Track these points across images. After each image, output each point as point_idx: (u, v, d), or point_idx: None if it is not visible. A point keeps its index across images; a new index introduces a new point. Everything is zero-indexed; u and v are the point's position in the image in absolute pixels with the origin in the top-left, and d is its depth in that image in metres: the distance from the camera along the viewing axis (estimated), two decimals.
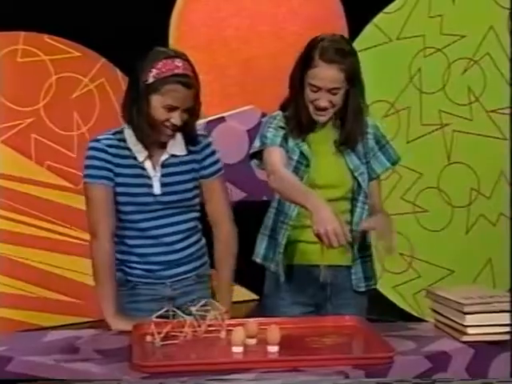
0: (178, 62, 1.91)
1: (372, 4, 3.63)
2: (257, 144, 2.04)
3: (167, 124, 1.92)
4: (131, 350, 1.64)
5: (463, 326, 1.72)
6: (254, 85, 3.90)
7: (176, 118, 1.91)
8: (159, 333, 1.69)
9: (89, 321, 2.08)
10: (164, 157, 1.97)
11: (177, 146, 1.99)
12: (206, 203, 2.05)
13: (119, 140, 1.97)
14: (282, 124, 2.02)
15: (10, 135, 3.54)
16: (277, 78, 4.02)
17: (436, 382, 1.62)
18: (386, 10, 3.64)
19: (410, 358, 1.63)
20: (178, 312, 1.75)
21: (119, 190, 1.95)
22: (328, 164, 2.03)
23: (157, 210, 1.96)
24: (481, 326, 1.71)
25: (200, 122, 3.91)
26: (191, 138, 2.01)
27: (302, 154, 2.00)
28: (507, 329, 1.71)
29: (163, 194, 1.96)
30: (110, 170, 1.94)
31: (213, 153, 2.04)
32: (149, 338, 1.70)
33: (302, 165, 2.00)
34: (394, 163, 2.10)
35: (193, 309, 1.77)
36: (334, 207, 2.00)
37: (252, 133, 3.86)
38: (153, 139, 1.94)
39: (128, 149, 1.96)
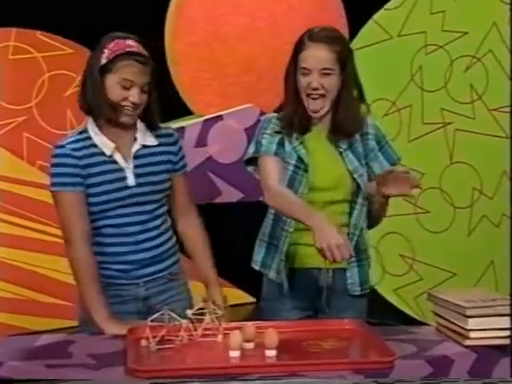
0: (131, 42, 1.94)
1: (372, 0, 3.63)
2: (251, 150, 2.04)
3: (125, 104, 1.92)
4: (126, 354, 1.64)
5: (465, 329, 1.72)
6: (253, 83, 3.89)
7: (134, 96, 1.91)
8: (154, 337, 1.69)
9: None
10: (135, 148, 1.99)
11: (147, 137, 2.01)
12: (174, 197, 2.07)
13: (85, 139, 1.97)
14: (277, 128, 2.02)
15: (1, 134, 3.53)
16: (276, 76, 4.01)
17: (442, 383, 1.62)
18: (386, 6, 3.64)
19: (411, 362, 1.63)
20: (174, 315, 1.75)
21: (91, 191, 1.95)
22: (327, 166, 2.03)
23: (130, 204, 1.97)
24: (483, 329, 1.71)
25: (198, 121, 3.96)
26: (153, 124, 2.02)
27: (299, 158, 2.00)
28: (510, 333, 1.71)
29: (138, 186, 1.97)
30: (78, 175, 1.94)
31: (182, 147, 2.09)
32: (144, 342, 1.70)
33: (300, 169, 2.01)
34: (393, 164, 2.10)
35: (189, 312, 1.77)
36: (334, 209, 2.00)
37: (250, 132, 3.86)
38: (114, 121, 1.94)
39: (95, 145, 1.96)
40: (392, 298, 3.63)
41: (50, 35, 3.57)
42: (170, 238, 2.07)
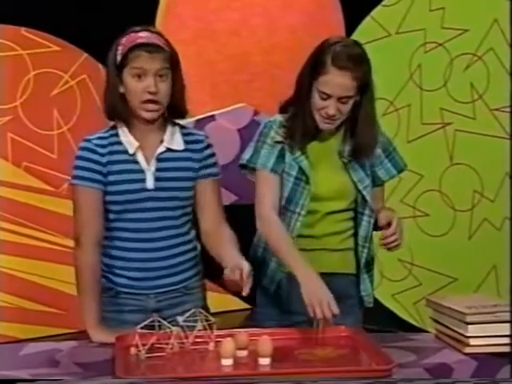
0: (142, 33, 1.93)
1: None
2: (247, 156, 2.03)
3: (145, 98, 1.90)
4: (114, 362, 1.64)
5: (465, 336, 1.73)
6: (246, 82, 3.90)
7: (150, 85, 1.89)
8: (144, 344, 1.68)
9: (69, 332, 2.07)
10: (160, 149, 1.97)
11: (174, 140, 1.99)
12: (200, 206, 2.02)
13: (112, 136, 1.97)
14: (278, 138, 2.01)
15: None
16: (270, 74, 4.06)
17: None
18: (384, 2, 3.65)
19: (410, 370, 1.64)
20: (164, 323, 1.75)
21: (110, 188, 1.94)
22: (330, 176, 2.03)
23: (148, 209, 1.95)
24: (484, 336, 1.72)
25: (189, 121, 3.95)
26: (179, 113, 1.99)
27: (300, 169, 2.00)
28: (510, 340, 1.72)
29: (156, 190, 1.95)
30: (98, 172, 1.94)
31: (213, 155, 2.06)
32: (133, 350, 1.69)
33: (301, 181, 2.00)
34: (400, 171, 2.11)
35: (180, 319, 1.77)
36: (336, 217, 2.01)
37: (243, 132, 3.86)
38: (138, 118, 1.93)
39: (120, 143, 1.96)
40: (390, 304, 3.64)
41: (35, 32, 3.56)
42: (190, 250, 2.03)
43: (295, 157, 2.00)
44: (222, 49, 3.89)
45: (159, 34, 1.96)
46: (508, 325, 1.72)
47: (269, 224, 1.97)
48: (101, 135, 1.98)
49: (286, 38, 3.93)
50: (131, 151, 1.95)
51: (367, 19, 3.66)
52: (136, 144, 1.95)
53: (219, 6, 3.89)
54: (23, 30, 3.56)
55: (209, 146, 2.05)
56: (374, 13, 3.65)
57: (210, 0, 3.89)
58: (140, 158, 1.96)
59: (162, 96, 1.92)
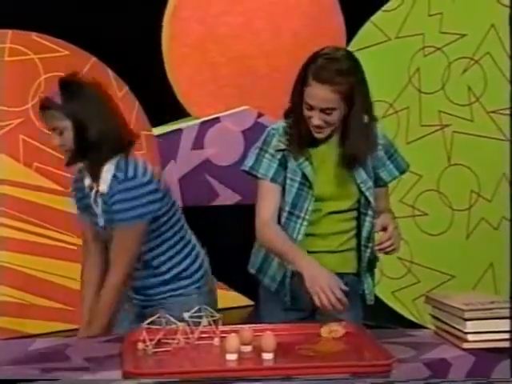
0: (49, 93, 1.95)
1: (370, 2, 3.63)
2: (249, 163, 2.02)
3: (59, 150, 1.97)
4: (122, 357, 1.64)
5: (464, 332, 1.72)
6: (250, 84, 3.90)
7: (53, 141, 1.95)
8: (151, 340, 1.69)
9: (77, 328, 2.08)
10: (93, 193, 1.98)
11: (102, 183, 1.95)
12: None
13: (79, 172, 2.05)
14: (281, 146, 2.00)
15: None
16: (273, 77, 4.06)
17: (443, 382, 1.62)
18: (384, 7, 3.64)
19: (409, 365, 1.63)
20: (171, 318, 1.75)
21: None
22: (332, 179, 2.02)
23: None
24: (482, 332, 1.72)
25: (195, 123, 3.96)
26: (114, 149, 1.94)
27: (304, 175, 2.00)
28: (509, 335, 1.71)
29: (106, 228, 1.99)
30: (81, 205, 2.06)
31: (123, 200, 1.92)
32: (141, 345, 1.70)
33: (305, 186, 2.00)
34: (402, 172, 2.11)
35: (186, 315, 1.77)
36: (339, 217, 2.01)
37: (247, 134, 3.86)
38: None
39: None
40: (390, 301, 3.63)
41: (45, 37, 3.56)
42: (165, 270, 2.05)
43: (299, 163, 2.00)
44: (226, 52, 3.89)
45: (69, 85, 1.94)
46: (504, 321, 1.72)
47: (268, 228, 1.97)
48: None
49: (288, 42, 3.93)
50: (86, 191, 2.00)
51: (367, 24, 3.65)
52: (87, 183, 1.99)
53: (223, 11, 3.89)
54: (34, 36, 3.56)
55: (124, 190, 1.91)
56: (374, 18, 3.65)
57: (214, 5, 3.90)
58: (92, 197, 1.98)
59: (64, 146, 1.94)
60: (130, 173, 1.91)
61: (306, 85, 1.92)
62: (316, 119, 1.93)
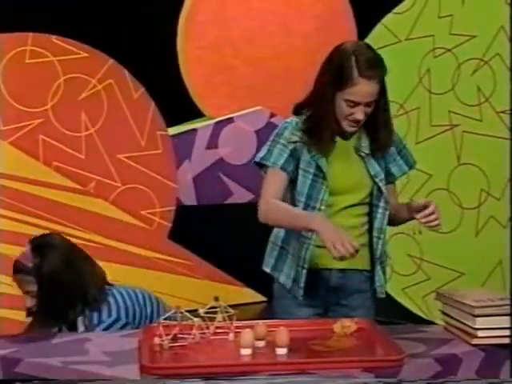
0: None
1: (381, 4, 3.62)
2: (261, 154, 2.02)
3: None
4: (140, 351, 1.64)
5: (473, 328, 1.72)
6: (263, 85, 3.90)
7: (28, 300, 1.99)
8: (167, 335, 1.69)
9: None
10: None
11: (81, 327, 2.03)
12: None
13: None
14: (294, 138, 1.99)
15: (18, 136, 3.55)
16: (285, 78, 4.05)
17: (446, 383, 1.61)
18: (395, 10, 3.63)
19: (420, 361, 1.63)
20: (187, 314, 1.75)
21: None
22: (346, 171, 2.01)
23: None
24: (491, 328, 1.71)
25: (209, 123, 3.96)
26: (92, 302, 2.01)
27: (318, 166, 1.99)
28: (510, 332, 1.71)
29: None
30: None
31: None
32: (157, 340, 1.70)
33: (319, 177, 1.99)
34: (411, 167, 2.11)
35: (201, 311, 1.77)
36: (353, 211, 2.00)
37: (260, 134, 3.86)
38: None
39: None
40: (400, 298, 3.62)
41: (65, 39, 3.58)
42: None
43: (312, 155, 1.99)
44: (240, 54, 3.89)
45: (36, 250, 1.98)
46: None
47: (271, 205, 1.95)
48: None
49: (300, 44, 3.93)
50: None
51: (378, 26, 3.64)
52: None
53: (237, 14, 3.90)
54: (54, 38, 3.58)
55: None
56: (385, 20, 3.63)
57: (229, 8, 3.90)
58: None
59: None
60: (95, 321, 2.00)
61: (350, 85, 1.90)
62: (360, 114, 1.93)
